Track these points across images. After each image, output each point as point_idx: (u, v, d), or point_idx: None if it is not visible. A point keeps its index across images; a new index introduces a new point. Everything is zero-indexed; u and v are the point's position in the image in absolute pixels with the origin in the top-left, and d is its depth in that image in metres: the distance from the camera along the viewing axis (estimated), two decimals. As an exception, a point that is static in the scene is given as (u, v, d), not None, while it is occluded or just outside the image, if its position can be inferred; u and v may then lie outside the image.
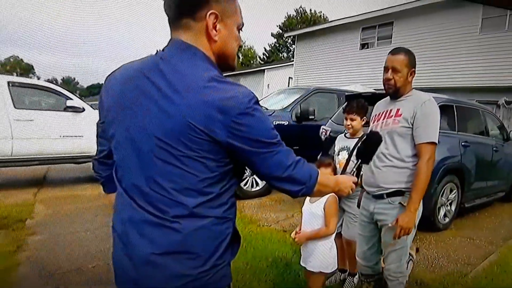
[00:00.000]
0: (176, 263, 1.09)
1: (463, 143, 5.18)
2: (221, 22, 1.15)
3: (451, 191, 5.14)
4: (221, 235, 1.16)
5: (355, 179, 1.58)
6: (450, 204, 5.19)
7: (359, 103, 3.08)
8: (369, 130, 2.48)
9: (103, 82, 1.25)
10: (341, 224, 3.21)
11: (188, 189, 1.08)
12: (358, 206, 2.87)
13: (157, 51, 1.19)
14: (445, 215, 5.13)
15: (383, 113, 2.50)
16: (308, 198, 2.70)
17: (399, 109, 2.40)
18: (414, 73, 2.42)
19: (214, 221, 1.13)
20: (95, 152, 1.46)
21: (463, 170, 5.22)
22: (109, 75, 1.24)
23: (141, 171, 1.11)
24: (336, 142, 3.37)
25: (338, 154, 3.23)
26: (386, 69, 2.40)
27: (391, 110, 2.45)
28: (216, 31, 1.14)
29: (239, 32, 1.23)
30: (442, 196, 4.96)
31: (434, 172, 4.58)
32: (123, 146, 1.16)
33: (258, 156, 1.11)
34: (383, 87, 2.49)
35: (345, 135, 3.28)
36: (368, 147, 1.82)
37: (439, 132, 4.74)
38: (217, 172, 1.10)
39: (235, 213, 1.22)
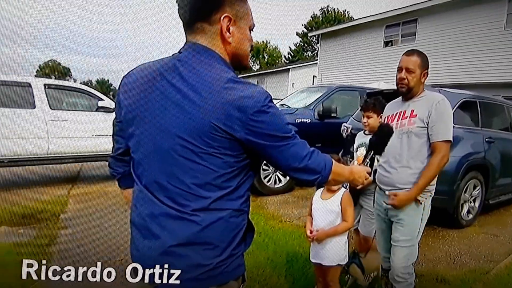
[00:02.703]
0: (195, 254, 1.15)
1: (487, 139, 5.12)
2: (234, 25, 1.20)
3: (474, 187, 5.09)
4: (238, 227, 1.22)
5: (369, 169, 1.63)
6: (474, 200, 5.14)
7: (376, 101, 3.10)
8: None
9: (121, 81, 1.30)
10: (358, 220, 3.26)
11: (208, 184, 1.14)
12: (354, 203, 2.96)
13: (173, 53, 1.24)
14: (468, 212, 5.08)
15: (396, 114, 2.52)
16: (318, 195, 2.73)
17: (413, 110, 2.44)
18: (427, 75, 2.45)
19: (232, 213, 1.19)
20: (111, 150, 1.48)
21: (487, 166, 5.16)
22: (125, 76, 1.29)
23: (162, 168, 1.17)
24: (356, 139, 3.42)
25: (357, 151, 3.29)
26: (400, 69, 2.44)
27: (405, 112, 2.48)
28: (230, 33, 1.20)
29: (250, 32, 1.28)
30: (465, 192, 4.92)
31: (457, 168, 4.64)
32: (143, 145, 1.21)
33: (275, 149, 1.17)
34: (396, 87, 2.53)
35: (364, 132, 3.32)
36: (380, 138, 1.85)
37: (463, 128, 4.78)
38: (235, 167, 1.17)
39: (249, 206, 1.29)
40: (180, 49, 1.23)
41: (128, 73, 1.29)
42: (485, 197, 5.29)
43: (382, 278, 2.83)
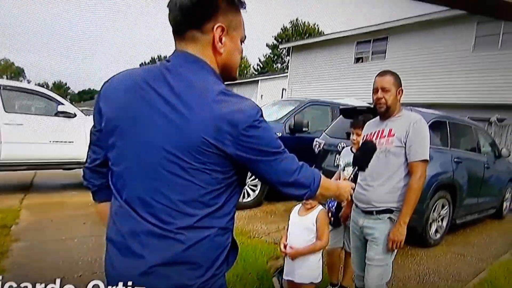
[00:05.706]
0: (177, 274, 1.10)
1: (455, 159, 5.20)
2: (227, 35, 1.17)
3: (442, 206, 5.15)
4: (222, 245, 1.18)
5: (353, 185, 1.62)
6: (442, 219, 5.20)
7: (366, 118, 3.07)
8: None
9: (101, 88, 1.23)
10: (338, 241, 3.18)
11: (195, 200, 1.10)
12: (338, 223, 3.01)
13: (162, 59, 1.19)
14: (436, 231, 5.13)
15: (375, 133, 2.56)
16: (296, 211, 2.73)
17: (391, 129, 2.48)
18: (402, 92, 2.52)
19: (217, 232, 1.15)
20: (86, 160, 1.42)
21: (455, 186, 5.24)
22: (106, 82, 1.22)
23: (146, 183, 1.11)
24: (341, 156, 3.41)
25: (344, 169, 3.22)
26: (376, 90, 2.49)
27: (383, 130, 2.51)
28: (222, 43, 1.16)
29: (241, 44, 1.25)
30: (434, 211, 4.97)
31: (427, 188, 4.64)
32: (126, 158, 1.15)
33: (266, 164, 1.14)
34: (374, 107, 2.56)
35: (351, 149, 3.26)
36: (364, 154, 1.86)
37: (432, 147, 4.82)
38: (223, 184, 1.13)
39: (234, 223, 1.24)
40: (168, 57, 1.18)
41: (110, 79, 1.23)
42: (453, 216, 5.36)
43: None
